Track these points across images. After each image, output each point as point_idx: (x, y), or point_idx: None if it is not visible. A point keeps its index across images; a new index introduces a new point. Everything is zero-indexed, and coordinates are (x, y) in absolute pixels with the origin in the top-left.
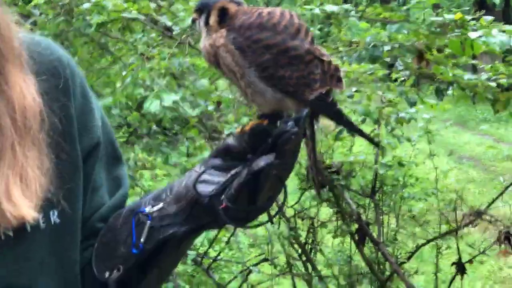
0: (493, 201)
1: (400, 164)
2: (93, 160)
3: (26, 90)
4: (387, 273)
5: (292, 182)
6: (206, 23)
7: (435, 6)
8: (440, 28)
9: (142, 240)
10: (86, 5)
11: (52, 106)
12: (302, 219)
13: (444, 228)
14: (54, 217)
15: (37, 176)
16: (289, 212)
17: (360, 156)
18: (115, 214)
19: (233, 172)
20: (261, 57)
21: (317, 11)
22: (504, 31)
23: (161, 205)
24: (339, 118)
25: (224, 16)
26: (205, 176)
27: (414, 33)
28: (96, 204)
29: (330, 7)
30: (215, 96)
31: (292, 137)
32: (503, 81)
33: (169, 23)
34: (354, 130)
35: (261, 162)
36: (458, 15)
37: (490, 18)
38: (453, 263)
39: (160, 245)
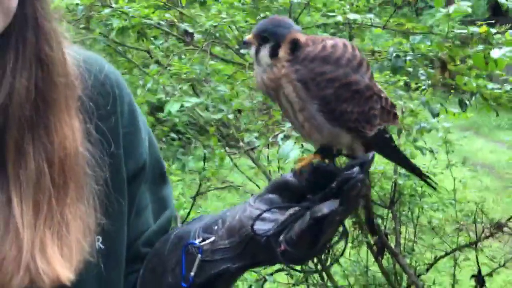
0: None
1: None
2: (139, 182)
3: (70, 139)
4: (404, 284)
5: None
6: (273, 54)
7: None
8: (463, 41)
9: (192, 273)
10: (107, 11)
11: (100, 131)
12: None
13: (462, 239)
14: (98, 243)
15: (78, 234)
16: None
17: (379, 166)
18: (161, 238)
19: (291, 211)
20: (324, 91)
21: (339, 18)
22: None
23: (212, 238)
24: (396, 155)
25: (294, 48)
26: (259, 213)
27: (437, 45)
28: (141, 227)
29: (353, 16)
30: (236, 104)
31: (358, 184)
32: None
33: (190, 30)
34: (409, 167)
35: (325, 208)
36: (483, 28)
37: None
38: (473, 276)
39: (212, 279)
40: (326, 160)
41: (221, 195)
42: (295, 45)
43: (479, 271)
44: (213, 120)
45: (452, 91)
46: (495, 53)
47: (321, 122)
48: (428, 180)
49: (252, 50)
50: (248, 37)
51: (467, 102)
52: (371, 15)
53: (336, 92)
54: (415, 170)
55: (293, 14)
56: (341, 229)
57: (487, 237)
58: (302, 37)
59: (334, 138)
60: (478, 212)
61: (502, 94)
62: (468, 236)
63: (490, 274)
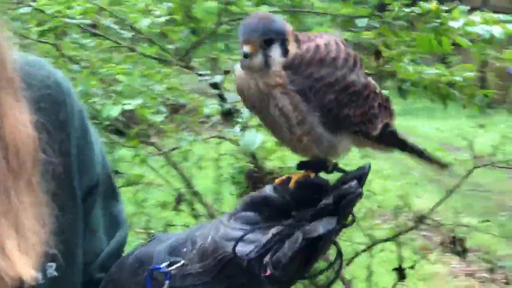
0: (436, 205)
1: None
2: (92, 201)
3: (21, 123)
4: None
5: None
6: (285, 53)
7: None
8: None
9: None
10: (25, 9)
11: (50, 141)
12: None
13: (383, 233)
14: (51, 270)
15: (36, 227)
16: None
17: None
18: (117, 262)
19: (274, 230)
20: (324, 98)
21: None
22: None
23: (182, 262)
24: (405, 146)
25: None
26: (236, 233)
27: (382, 29)
28: (94, 250)
29: None
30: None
31: (357, 199)
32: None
33: (115, 27)
34: (421, 156)
35: (321, 228)
36: (434, 5)
37: (465, 7)
38: (394, 269)
39: None
40: (311, 174)
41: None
42: (297, 38)
43: (399, 265)
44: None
45: (389, 78)
46: (455, 24)
47: (322, 133)
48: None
49: (259, 58)
50: (247, 47)
51: (406, 90)
52: None
53: (337, 97)
54: (430, 159)
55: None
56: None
57: (409, 230)
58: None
59: (333, 149)
60: (402, 203)
61: (442, 78)
62: (392, 229)
63: (411, 267)
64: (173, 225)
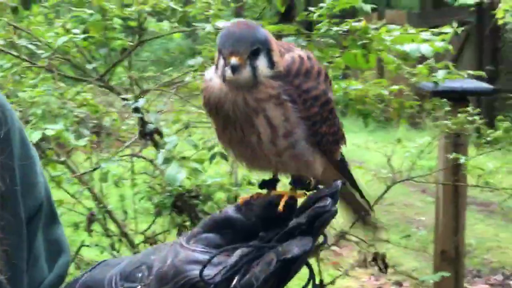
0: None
1: (250, 183)
2: (36, 225)
3: None
4: None
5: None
6: (271, 64)
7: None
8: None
9: None
10: None
11: None
12: (151, 245)
13: None
14: None
15: None
16: (139, 238)
17: (217, 178)
18: None
19: (239, 252)
20: (310, 111)
21: (208, 28)
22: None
23: (138, 287)
24: (352, 178)
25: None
26: (198, 255)
27: (310, 46)
28: (37, 278)
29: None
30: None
31: (331, 218)
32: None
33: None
34: (356, 188)
35: (296, 248)
36: (364, 23)
37: (394, 26)
38: (315, 285)
39: None
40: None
41: None
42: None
43: (320, 280)
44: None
45: None
46: (407, 47)
47: (303, 148)
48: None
49: (246, 71)
50: (235, 59)
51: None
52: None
53: (319, 111)
54: (362, 194)
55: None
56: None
57: (331, 245)
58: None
59: (308, 167)
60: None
61: (368, 93)
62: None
63: (332, 283)
64: (87, 246)
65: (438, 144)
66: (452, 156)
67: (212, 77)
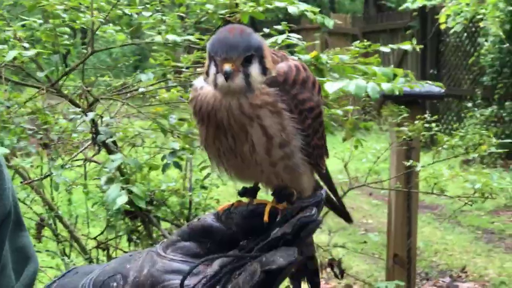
0: None
1: (203, 187)
2: (4, 232)
3: None
4: None
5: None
6: (264, 70)
7: None
8: None
9: None
10: None
11: None
12: (103, 250)
13: None
14: None
15: None
16: (91, 243)
17: (171, 183)
18: None
19: (219, 262)
20: (305, 122)
21: (158, 39)
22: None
23: None
24: (334, 190)
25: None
26: (177, 265)
27: None
28: (3, 287)
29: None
30: None
31: (316, 228)
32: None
33: None
34: (337, 198)
35: (281, 259)
36: (314, 53)
37: (346, 58)
38: None
39: None
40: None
41: None
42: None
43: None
44: None
45: None
46: (330, 87)
47: (299, 160)
48: (346, 215)
49: (240, 77)
50: (228, 66)
51: None
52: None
53: (312, 123)
54: (341, 205)
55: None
56: None
57: None
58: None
59: (300, 179)
60: None
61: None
62: None
63: None
64: (38, 251)
65: (391, 149)
66: (410, 163)
67: (203, 85)
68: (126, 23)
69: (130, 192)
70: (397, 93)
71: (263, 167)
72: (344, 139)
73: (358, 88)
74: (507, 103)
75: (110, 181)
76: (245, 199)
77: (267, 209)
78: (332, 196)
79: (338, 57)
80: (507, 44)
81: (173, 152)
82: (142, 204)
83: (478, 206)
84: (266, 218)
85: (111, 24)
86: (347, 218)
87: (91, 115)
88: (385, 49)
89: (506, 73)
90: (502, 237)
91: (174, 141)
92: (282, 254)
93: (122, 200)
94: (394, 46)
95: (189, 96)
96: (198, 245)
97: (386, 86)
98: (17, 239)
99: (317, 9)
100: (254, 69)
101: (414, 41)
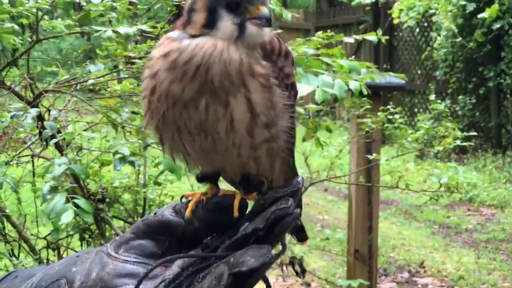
0: None
1: (157, 183)
2: None
3: None
4: None
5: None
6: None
7: None
8: None
9: None
10: None
11: None
12: (53, 250)
13: None
14: None
15: None
16: (41, 243)
17: (124, 179)
18: None
19: (179, 262)
20: (290, 98)
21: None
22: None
23: None
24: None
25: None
26: (130, 266)
27: None
28: None
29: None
30: None
31: (293, 223)
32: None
33: None
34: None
35: (252, 260)
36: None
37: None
38: None
39: None
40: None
41: None
42: None
43: None
44: None
45: None
46: (301, 89)
47: (282, 143)
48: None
49: (232, 22)
50: (266, 9)
51: None
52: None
53: (293, 100)
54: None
55: None
56: None
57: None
58: None
59: (275, 164)
60: None
61: None
62: None
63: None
64: None
65: (351, 143)
66: (373, 157)
67: (189, 38)
68: (74, 12)
69: (76, 206)
70: (365, 92)
71: (241, 150)
72: (304, 140)
73: (324, 84)
74: (460, 97)
75: (54, 189)
76: (207, 188)
77: (236, 202)
78: None
79: (302, 50)
80: (460, 39)
81: (123, 158)
82: (89, 219)
83: (433, 201)
84: (236, 213)
85: (59, 19)
86: (301, 235)
87: (33, 111)
88: (349, 39)
89: (459, 67)
90: (458, 232)
91: (125, 143)
92: (254, 253)
93: (68, 217)
94: (358, 37)
95: (152, 54)
96: (155, 244)
97: (353, 85)
98: None
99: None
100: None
101: (379, 32)
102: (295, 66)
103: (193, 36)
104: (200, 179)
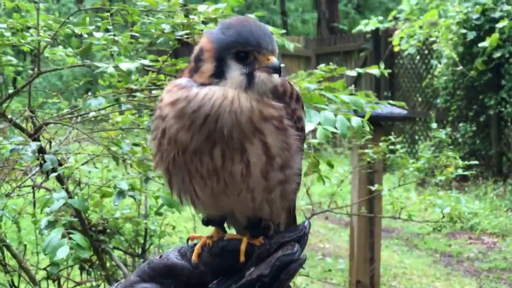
0: None
1: (158, 214)
2: None
3: None
4: None
5: None
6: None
7: None
8: None
9: None
10: None
11: None
12: (53, 281)
13: None
14: None
15: None
16: (42, 273)
17: (125, 210)
18: None
19: None
20: (301, 140)
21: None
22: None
23: None
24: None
25: None
26: None
27: None
28: None
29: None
30: None
31: (299, 269)
32: None
33: None
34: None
35: None
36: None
37: (313, 86)
38: None
39: None
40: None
41: None
42: None
43: None
44: None
45: None
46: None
47: (294, 186)
48: None
49: (241, 74)
50: (276, 59)
51: None
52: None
53: (303, 143)
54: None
55: None
56: None
57: None
58: None
59: (282, 209)
60: None
61: None
62: None
63: None
64: None
65: (353, 173)
66: (375, 187)
67: (198, 86)
68: (76, 45)
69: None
70: (367, 128)
71: (255, 193)
72: (306, 174)
73: (326, 121)
74: (460, 125)
75: (51, 224)
76: (213, 231)
77: (243, 246)
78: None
79: (304, 84)
80: (461, 67)
81: (121, 193)
82: (85, 254)
83: (435, 230)
84: (242, 258)
85: (60, 46)
86: None
87: (33, 145)
88: (352, 73)
89: (460, 95)
90: (460, 260)
91: (125, 176)
92: None
93: (63, 252)
94: (361, 70)
95: (162, 97)
96: (159, 287)
97: (356, 122)
98: None
99: (278, 30)
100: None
101: (382, 65)
102: None
103: (202, 84)
104: (206, 222)
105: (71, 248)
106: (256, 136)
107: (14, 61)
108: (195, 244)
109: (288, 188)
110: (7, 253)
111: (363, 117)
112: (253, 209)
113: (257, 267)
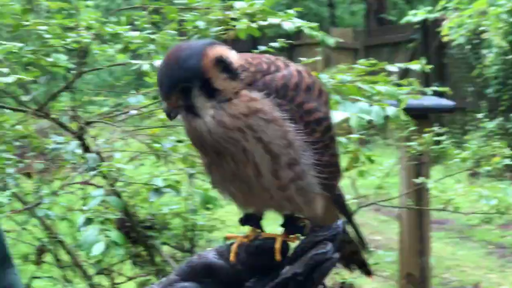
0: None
1: (207, 208)
2: None
3: None
4: None
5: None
6: (209, 92)
7: None
8: None
9: None
10: None
11: None
12: (106, 275)
13: None
14: None
15: None
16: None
17: (174, 206)
18: None
19: None
20: (313, 135)
21: None
22: None
23: None
24: (349, 217)
25: (228, 70)
26: None
27: None
28: None
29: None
30: None
31: (332, 267)
32: None
33: None
34: (353, 225)
35: None
36: (313, 73)
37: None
38: None
39: None
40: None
41: None
42: (223, 63)
43: None
44: None
45: None
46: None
47: (312, 179)
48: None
49: (184, 113)
50: (165, 106)
51: None
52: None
53: (322, 137)
54: (358, 231)
55: None
56: None
57: None
58: (231, 54)
59: (313, 203)
60: None
61: None
62: None
63: None
64: (38, 277)
65: (400, 165)
66: (420, 180)
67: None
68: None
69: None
70: (403, 118)
71: (271, 192)
72: (346, 169)
73: (361, 111)
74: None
75: (88, 221)
76: (250, 230)
77: (278, 245)
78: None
79: (339, 77)
80: (511, 56)
81: (157, 190)
82: (120, 251)
83: (486, 221)
84: (278, 256)
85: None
86: (365, 269)
87: (73, 144)
88: (393, 68)
89: (511, 84)
90: None
91: (169, 172)
92: None
93: (98, 248)
94: (402, 65)
95: None
96: (199, 286)
97: (391, 111)
98: (5, 277)
99: (314, 24)
100: (197, 100)
101: (423, 61)
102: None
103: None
104: (244, 221)
105: (107, 245)
106: (247, 133)
107: (62, 59)
108: (232, 244)
109: (303, 184)
110: (60, 249)
111: (408, 108)
112: (276, 207)
113: (292, 265)
